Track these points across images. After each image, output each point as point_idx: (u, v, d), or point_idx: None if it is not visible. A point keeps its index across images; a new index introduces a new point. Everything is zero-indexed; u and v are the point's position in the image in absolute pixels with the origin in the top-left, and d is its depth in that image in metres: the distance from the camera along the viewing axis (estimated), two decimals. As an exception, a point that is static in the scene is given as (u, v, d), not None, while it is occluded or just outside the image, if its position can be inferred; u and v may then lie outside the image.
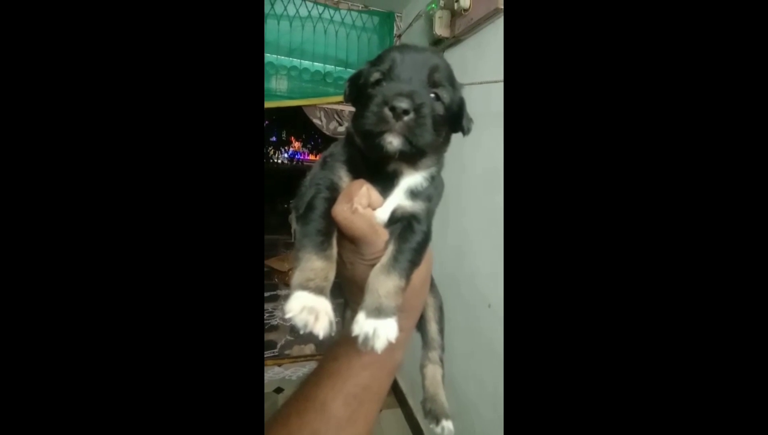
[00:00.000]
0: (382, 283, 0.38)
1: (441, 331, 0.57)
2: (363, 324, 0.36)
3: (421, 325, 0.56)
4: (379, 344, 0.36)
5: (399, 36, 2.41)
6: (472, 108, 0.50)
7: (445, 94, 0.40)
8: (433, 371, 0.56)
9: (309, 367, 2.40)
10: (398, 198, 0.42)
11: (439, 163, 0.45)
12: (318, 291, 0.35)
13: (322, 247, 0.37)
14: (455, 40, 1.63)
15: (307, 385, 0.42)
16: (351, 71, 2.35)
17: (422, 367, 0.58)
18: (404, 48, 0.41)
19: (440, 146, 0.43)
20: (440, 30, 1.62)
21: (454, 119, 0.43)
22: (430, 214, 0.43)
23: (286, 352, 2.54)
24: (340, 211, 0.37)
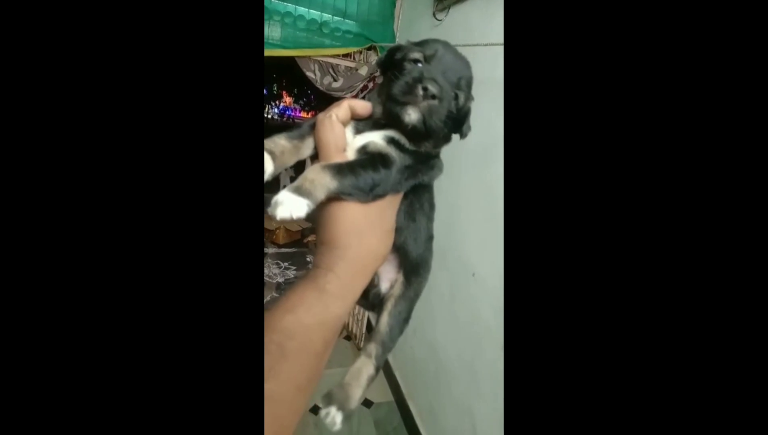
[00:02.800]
0: (316, 171, 0.39)
1: (392, 328, 0.48)
2: (279, 194, 0.37)
3: (378, 311, 0.50)
4: (280, 212, 0.36)
5: (403, -13, 2.24)
6: (475, 74, 0.48)
7: (462, 98, 0.46)
8: (361, 364, 0.47)
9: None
10: (376, 136, 0.45)
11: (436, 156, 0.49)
12: (269, 152, 0.40)
13: (292, 135, 0.43)
14: (463, -3, 1.53)
15: None
16: (349, 22, 2.21)
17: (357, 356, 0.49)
18: (449, 46, 0.47)
19: (440, 139, 0.48)
20: (448, -16, 1.51)
21: (459, 122, 0.48)
22: (403, 172, 0.44)
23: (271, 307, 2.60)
24: (319, 115, 0.42)
